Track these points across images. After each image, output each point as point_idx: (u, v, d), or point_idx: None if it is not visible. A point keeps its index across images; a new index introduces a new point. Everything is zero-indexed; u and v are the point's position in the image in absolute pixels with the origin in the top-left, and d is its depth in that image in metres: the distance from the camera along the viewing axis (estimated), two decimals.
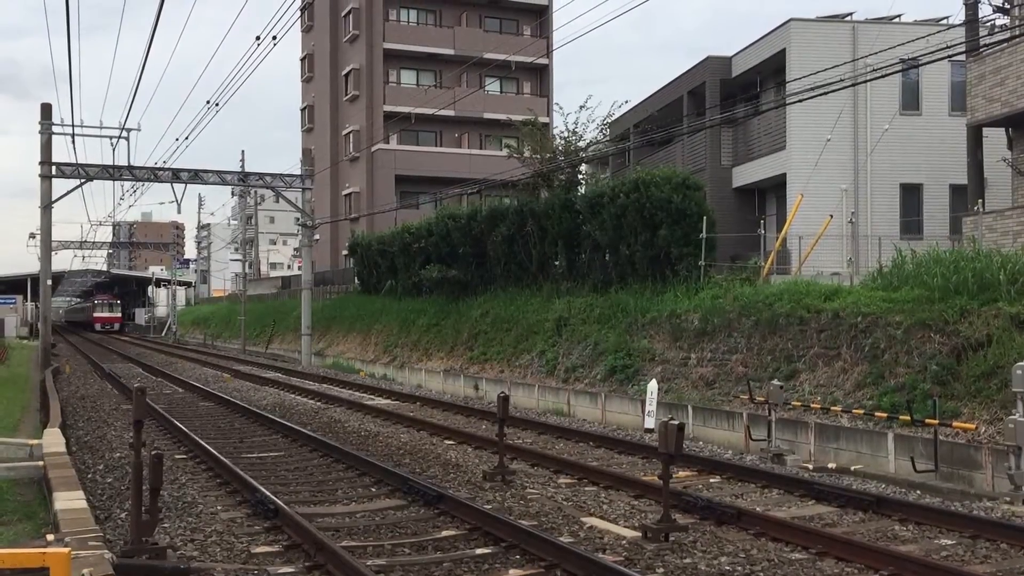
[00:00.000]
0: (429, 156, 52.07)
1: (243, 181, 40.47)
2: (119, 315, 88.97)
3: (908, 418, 11.99)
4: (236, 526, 9.34)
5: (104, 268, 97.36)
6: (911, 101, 26.97)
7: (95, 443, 15.21)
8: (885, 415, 12.69)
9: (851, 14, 28.79)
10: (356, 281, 42.80)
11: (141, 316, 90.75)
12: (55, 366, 31.02)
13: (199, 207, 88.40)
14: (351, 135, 54.62)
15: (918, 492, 11.04)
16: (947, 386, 12.60)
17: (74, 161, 35.06)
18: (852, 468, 12.28)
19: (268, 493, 10.01)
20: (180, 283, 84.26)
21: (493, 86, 53.63)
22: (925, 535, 9.03)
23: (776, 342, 16.21)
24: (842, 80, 18.21)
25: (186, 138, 51.20)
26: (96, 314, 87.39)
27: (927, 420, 11.68)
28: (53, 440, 12.37)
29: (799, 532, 8.75)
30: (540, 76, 55.57)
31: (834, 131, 25.56)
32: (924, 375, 13.01)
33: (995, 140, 22.37)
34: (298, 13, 32.10)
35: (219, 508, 10.19)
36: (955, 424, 11.70)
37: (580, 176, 28.77)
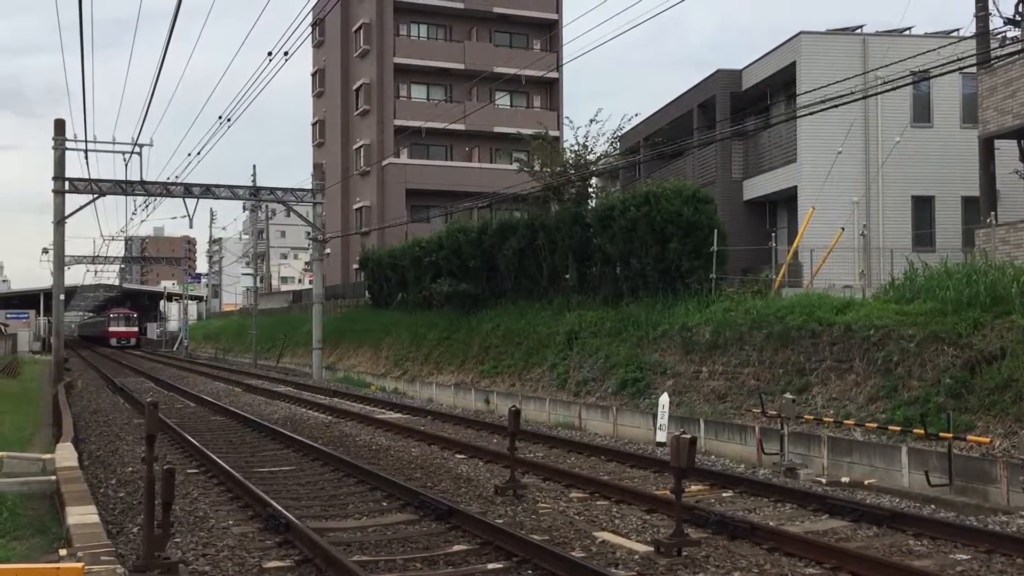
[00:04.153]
0: (440, 170, 52.21)
1: (254, 196, 40.65)
2: (136, 329, 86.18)
3: (922, 431, 11.92)
4: (248, 541, 9.33)
5: (116, 283, 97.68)
6: (922, 113, 26.92)
7: (107, 457, 15.25)
8: (899, 428, 12.62)
9: (861, 27, 28.80)
10: (367, 295, 42.89)
11: (153, 331, 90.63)
12: (67, 380, 31.13)
13: (211, 222, 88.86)
14: (362, 149, 54.82)
15: (932, 506, 10.96)
16: (961, 399, 12.52)
17: (87, 176, 35.28)
18: (866, 482, 12.21)
19: (279, 507, 10.01)
20: (191, 298, 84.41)
21: (503, 100, 53.79)
22: (940, 550, 8.96)
23: (788, 355, 16.16)
24: (853, 93, 18.19)
25: (198, 153, 51.72)
26: (111, 328, 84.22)
27: (941, 434, 11.61)
28: (65, 455, 12.41)
29: (813, 547, 8.69)
30: (550, 90, 55.73)
31: (845, 144, 25.53)
32: (938, 388, 12.93)
33: (1007, 152, 22.30)
34: (309, 29, 32.30)
35: (231, 523, 10.19)
36: (969, 438, 11.62)
37: (590, 189, 28.79)
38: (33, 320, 73.80)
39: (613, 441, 17.26)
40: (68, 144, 33.90)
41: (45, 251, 67.56)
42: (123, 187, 35.34)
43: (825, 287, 19.84)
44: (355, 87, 56.08)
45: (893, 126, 26.09)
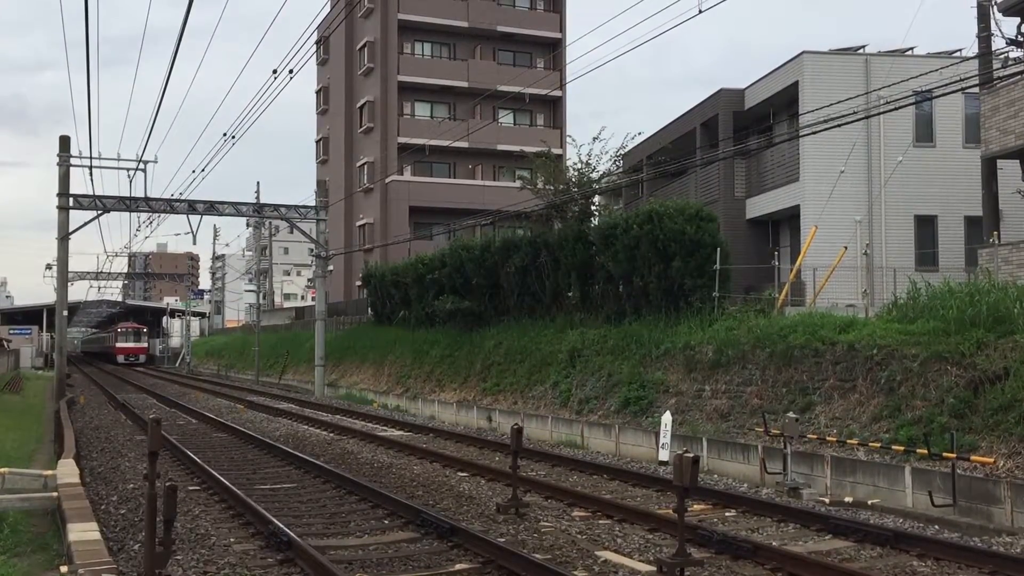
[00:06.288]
0: (443, 187, 52.34)
1: (258, 212, 40.77)
2: (145, 345, 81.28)
3: (925, 451, 11.89)
4: (249, 558, 9.30)
5: (119, 299, 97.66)
6: (925, 133, 26.98)
7: (109, 474, 15.22)
8: (902, 448, 12.58)
9: (863, 47, 28.89)
10: (370, 312, 42.89)
11: (156, 347, 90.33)
12: (70, 397, 31.12)
13: (214, 238, 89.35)
14: (365, 167, 55.00)
15: (936, 527, 10.92)
16: (964, 419, 12.49)
17: (91, 193, 35.40)
18: (869, 502, 12.17)
19: (281, 525, 9.99)
20: (194, 314, 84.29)
21: (507, 118, 53.99)
22: (944, 571, 8.92)
23: (791, 374, 16.13)
24: (855, 112, 18.24)
25: (202, 170, 51.68)
26: (119, 344, 79.28)
27: (945, 454, 11.58)
28: (67, 471, 12.40)
29: (816, 567, 8.65)
30: (553, 108, 55.93)
31: (848, 163, 25.58)
32: (941, 408, 12.90)
33: (1010, 172, 22.35)
34: (314, 47, 32.47)
35: (232, 540, 10.16)
36: (973, 458, 11.58)
37: (593, 208, 28.83)
38: (36, 336, 73.83)
39: (615, 460, 17.22)
40: (73, 161, 34.07)
41: (49, 267, 67.72)
42: (127, 204, 35.46)
43: (828, 306, 19.83)
44: (359, 105, 56.32)
45: (895, 145, 26.15)
